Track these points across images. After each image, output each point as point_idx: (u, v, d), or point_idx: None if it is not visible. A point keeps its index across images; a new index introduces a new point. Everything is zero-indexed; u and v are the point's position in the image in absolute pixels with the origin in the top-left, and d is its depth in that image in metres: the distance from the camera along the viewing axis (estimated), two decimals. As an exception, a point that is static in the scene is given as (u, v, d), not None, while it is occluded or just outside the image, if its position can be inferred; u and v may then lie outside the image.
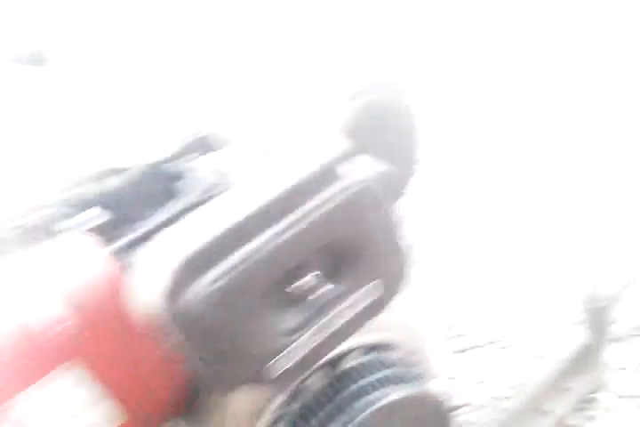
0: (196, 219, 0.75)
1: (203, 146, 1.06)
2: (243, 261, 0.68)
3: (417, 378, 1.02)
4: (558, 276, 1.65)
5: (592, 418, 1.25)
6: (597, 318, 1.25)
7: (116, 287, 0.75)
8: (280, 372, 0.78)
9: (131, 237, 0.86)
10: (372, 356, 1.01)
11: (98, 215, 0.85)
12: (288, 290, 0.75)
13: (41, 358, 0.74)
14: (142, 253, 0.75)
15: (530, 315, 1.58)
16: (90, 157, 0.92)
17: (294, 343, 0.77)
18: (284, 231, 0.70)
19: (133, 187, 0.92)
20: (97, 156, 0.91)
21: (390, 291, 0.85)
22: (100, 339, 0.76)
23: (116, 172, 0.89)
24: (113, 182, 0.88)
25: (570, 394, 1.27)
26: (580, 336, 1.30)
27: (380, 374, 0.98)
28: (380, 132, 0.92)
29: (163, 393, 0.81)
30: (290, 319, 0.77)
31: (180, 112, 1.01)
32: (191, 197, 0.90)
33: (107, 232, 0.84)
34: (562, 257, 1.71)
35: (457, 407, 1.35)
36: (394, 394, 0.94)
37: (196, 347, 0.72)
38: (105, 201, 0.87)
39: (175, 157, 1.00)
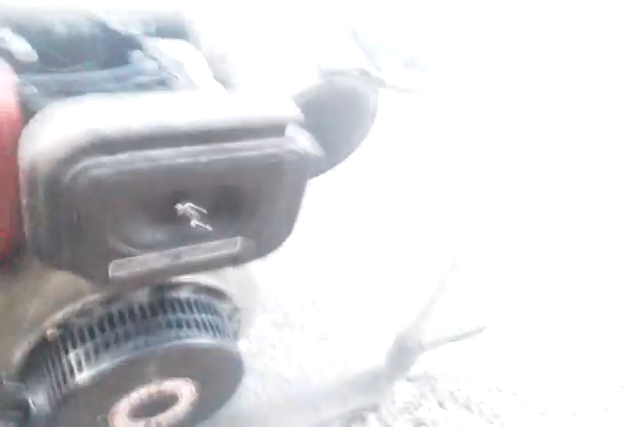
0: (131, 100, 0.70)
1: (177, 31, 1.01)
2: (147, 162, 0.66)
3: (228, 332, 1.04)
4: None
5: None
6: (401, 357, 1.34)
7: (10, 120, 0.69)
8: (115, 276, 0.77)
9: (54, 78, 0.80)
10: (203, 297, 1.03)
11: (25, 50, 0.78)
12: (171, 208, 0.74)
13: None
14: (60, 104, 0.69)
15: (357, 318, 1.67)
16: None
17: (142, 257, 0.76)
18: (197, 154, 0.68)
19: (87, 35, 0.85)
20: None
21: (253, 254, 0.86)
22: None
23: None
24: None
25: (347, 404, 1.36)
26: (380, 361, 1.39)
27: (200, 316, 0.99)
28: (331, 113, 0.92)
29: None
30: (149, 235, 0.76)
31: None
32: (137, 74, 0.86)
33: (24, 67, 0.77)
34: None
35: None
36: (202, 339, 0.96)
37: (51, 216, 0.69)
38: (46, 39, 0.80)
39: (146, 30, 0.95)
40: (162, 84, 0.90)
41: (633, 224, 2.29)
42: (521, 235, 2.11)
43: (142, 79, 0.88)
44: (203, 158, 0.68)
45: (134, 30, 0.92)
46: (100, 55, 0.87)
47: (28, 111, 0.71)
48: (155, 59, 0.88)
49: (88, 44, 0.85)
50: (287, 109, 0.72)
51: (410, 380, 1.50)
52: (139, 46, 0.92)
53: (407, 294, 1.77)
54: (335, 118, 0.93)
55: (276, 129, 0.71)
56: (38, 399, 0.91)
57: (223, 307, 1.08)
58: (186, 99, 0.69)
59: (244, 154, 0.70)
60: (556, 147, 2.32)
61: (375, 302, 1.73)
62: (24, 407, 0.90)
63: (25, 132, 0.68)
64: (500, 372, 1.59)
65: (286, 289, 1.70)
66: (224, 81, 0.95)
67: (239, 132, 0.69)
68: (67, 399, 0.89)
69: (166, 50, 1.02)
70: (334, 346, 1.56)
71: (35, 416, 0.90)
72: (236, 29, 0.94)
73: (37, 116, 0.68)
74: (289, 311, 1.63)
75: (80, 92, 0.80)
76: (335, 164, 1.01)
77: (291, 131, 0.74)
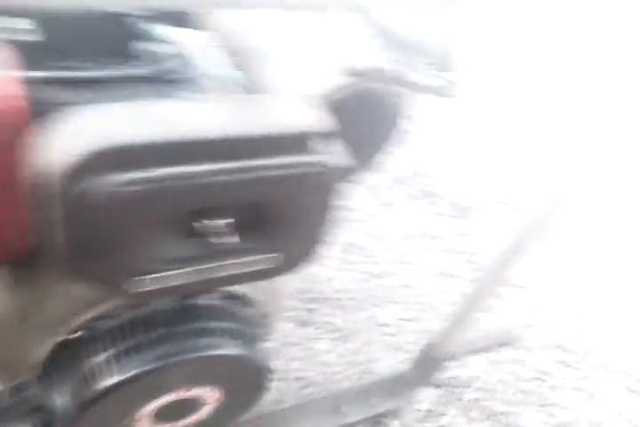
0: (146, 109, 0.66)
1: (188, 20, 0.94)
2: (169, 179, 0.63)
3: (253, 340, 1.02)
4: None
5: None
6: (427, 364, 1.31)
7: (18, 114, 0.65)
8: (138, 291, 0.74)
9: (56, 73, 0.74)
10: (227, 303, 1.00)
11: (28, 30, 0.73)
12: (195, 224, 0.71)
13: None
14: (77, 114, 0.66)
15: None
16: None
17: (168, 273, 0.74)
18: (222, 172, 0.65)
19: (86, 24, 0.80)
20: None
21: (286, 268, 0.83)
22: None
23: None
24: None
25: (370, 408, 1.34)
26: (405, 368, 1.36)
27: (226, 324, 0.97)
28: (359, 115, 0.87)
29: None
30: (178, 251, 0.73)
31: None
32: (144, 67, 0.81)
33: (32, 54, 0.72)
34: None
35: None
36: (227, 349, 0.94)
37: (66, 231, 0.66)
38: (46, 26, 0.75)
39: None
40: (183, 83, 0.84)
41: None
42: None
43: (160, 77, 0.81)
44: (224, 177, 0.64)
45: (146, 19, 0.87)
46: (109, 46, 0.82)
47: (36, 107, 0.67)
48: (170, 55, 0.83)
49: (94, 34, 0.80)
50: (316, 121, 0.68)
51: (436, 386, 1.46)
52: (151, 37, 0.86)
53: (439, 297, 1.73)
54: (356, 122, 0.88)
55: (304, 144, 0.67)
56: (61, 403, 0.90)
57: (249, 313, 1.05)
58: (209, 110, 0.66)
59: (268, 173, 0.66)
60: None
61: (405, 301, 1.70)
62: (46, 411, 0.90)
63: (36, 136, 0.65)
64: (527, 384, 1.55)
65: (311, 285, 1.67)
66: (247, 78, 0.89)
67: (265, 149, 0.66)
68: (89, 404, 0.88)
69: (185, 42, 0.95)
70: (358, 347, 1.53)
71: (57, 420, 0.90)
72: (260, 24, 0.89)
73: (52, 123, 0.65)
74: (313, 309, 1.60)
75: (91, 92, 0.76)
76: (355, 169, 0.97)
77: (319, 143, 0.70)
